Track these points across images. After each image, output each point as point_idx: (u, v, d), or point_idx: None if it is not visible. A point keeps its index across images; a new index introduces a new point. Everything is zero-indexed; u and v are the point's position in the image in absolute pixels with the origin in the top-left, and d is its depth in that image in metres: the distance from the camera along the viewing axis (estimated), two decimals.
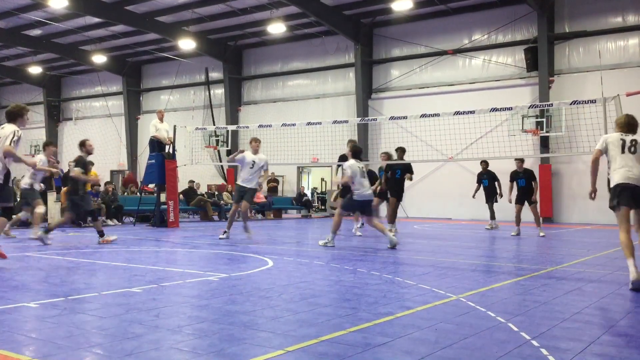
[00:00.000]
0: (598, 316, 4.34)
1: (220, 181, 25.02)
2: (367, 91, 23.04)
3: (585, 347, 3.40)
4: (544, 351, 3.29)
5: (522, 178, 12.60)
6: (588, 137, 11.77)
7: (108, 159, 28.71)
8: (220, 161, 25.39)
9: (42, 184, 11.18)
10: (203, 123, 25.84)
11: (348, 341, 3.43)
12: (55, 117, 32.25)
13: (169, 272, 6.42)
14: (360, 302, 4.65)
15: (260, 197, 19.98)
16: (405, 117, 12.81)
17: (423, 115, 12.32)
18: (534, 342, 3.48)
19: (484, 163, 14.99)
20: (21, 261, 7.13)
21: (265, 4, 20.89)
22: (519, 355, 3.22)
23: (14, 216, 10.16)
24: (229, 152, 25.10)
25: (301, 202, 22.28)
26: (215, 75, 26.94)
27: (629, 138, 5.81)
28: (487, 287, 5.46)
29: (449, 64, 21.73)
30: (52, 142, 12.05)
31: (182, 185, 17.21)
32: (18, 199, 11.65)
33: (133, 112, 29.59)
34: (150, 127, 14.71)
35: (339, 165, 12.44)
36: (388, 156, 12.53)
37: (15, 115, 6.96)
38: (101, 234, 9.57)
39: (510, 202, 12.81)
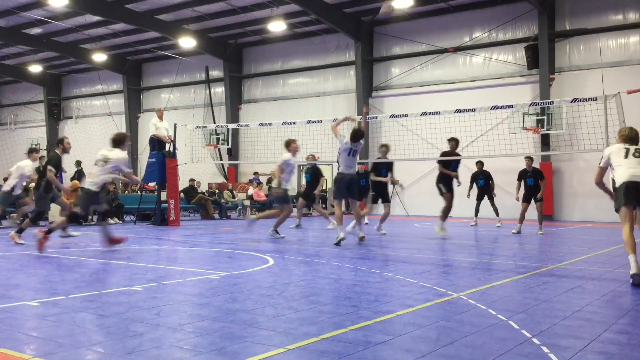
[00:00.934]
0: (599, 314, 4.34)
1: (220, 179, 25.04)
2: (367, 89, 22.99)
3: (586, 344, 3.40)
4: (545, 349, 3.29)
5: (531, 177, 12.58)
6: (589, 134, 11.79)
7: None
8: (221, 159, 25.37)
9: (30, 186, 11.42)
10: (203, 121, 25.80)
11: (349, 339, 3.43)
12: (55, 115, 32.20)
13: (169, 271, 6.43)
14: (361, 300, 4.64)
15: (261, 195, 19.98)
16: (406, 115, 12.82)
17: (424, 113, 12.33)
18: (535, 340, 3.47)
19: (480, 163, 15.15)
20: (22, 260, 7.14)
21: (266, 2, 20.84)
22: (520, 353, 3.22)
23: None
24: (229, 151, 25.11)
25: None
26: (215, 73, 26.90)
27: (632, 147, 5.95)
28: (488, 285, 5.46)
29: (450, 62, 21.68)
30: (36, 148, 11.78)
31: (182, 184, 17.21)
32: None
33: (133, 111, 29.54)
34: (150, 125, 14.73)
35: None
36: (387, 149, 12.48)
37: (119, 143, 8.32)
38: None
39: (518, 200, 12.84)
